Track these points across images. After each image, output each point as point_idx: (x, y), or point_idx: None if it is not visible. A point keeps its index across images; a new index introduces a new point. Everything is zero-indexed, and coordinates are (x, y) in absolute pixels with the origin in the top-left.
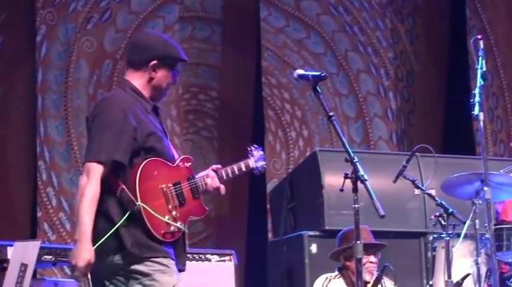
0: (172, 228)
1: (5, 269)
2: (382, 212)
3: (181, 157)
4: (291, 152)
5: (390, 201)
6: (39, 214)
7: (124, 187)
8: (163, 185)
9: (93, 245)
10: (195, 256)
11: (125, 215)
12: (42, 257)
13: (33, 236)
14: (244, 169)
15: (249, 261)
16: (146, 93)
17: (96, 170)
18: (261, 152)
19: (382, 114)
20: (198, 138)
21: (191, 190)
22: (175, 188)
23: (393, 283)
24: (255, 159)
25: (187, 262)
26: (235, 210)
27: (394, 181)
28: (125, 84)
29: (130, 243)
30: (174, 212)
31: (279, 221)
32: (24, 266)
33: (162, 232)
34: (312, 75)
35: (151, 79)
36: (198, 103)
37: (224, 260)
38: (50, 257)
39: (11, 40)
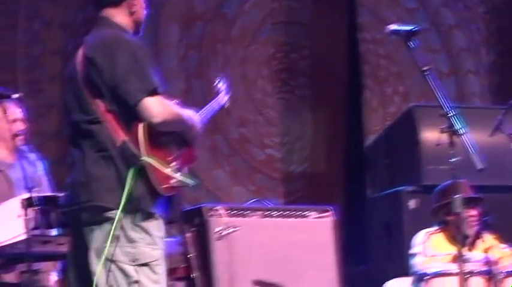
0: (173, 181)
1: None
2: (480, 165)
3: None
4: (387, 108)
5: (487, 156)
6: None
7: (125, 138)
8: (162, 137)
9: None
10: (293, 212)
11: (129, 171)
12: None
13: None
14: (216, 108)
15: (347, 217)
16: (130, 30)
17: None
18: (225, 85)
19: (474, 70)
20: (292, 97)
21: (183, 140)
22: (172, 138)
23: (493, 236)
24: (222, 95)
25: (286, 219)
26: (333, 167)
27: (491, 135)
28: (110, 23)
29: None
30: (173, 163)
31: (377, 177)
32: None
33: (165, 186)
34: (405, 30)
35: (132, 13)
36: (290, 62)
37: (322, 217)
38: None
39: None
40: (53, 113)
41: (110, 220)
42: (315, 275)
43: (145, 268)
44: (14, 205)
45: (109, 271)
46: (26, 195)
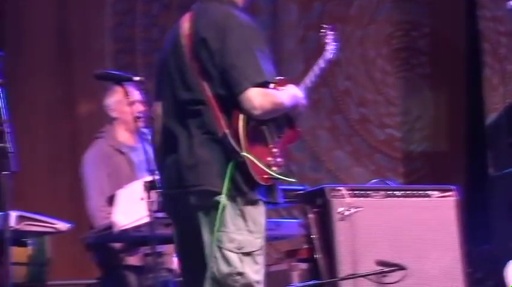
0: (273, 174)
1: None
2: None
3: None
4: (508, 85)
5: None
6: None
7: (227, 130)
8: (264, 124)
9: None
10: (415, 192)
11: (229, 166)
12: None
13: None
14: (324, 65)
15: (469, 196)
16: (240, 4)
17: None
18: (332, 33)
19: None
20: (412, 75)
21: (287, 119)
22: (273, 123)
23: None
24: (329, 46)
25: (408, 198)
26: (454, 145)
27: None
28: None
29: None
30: (274, 150)
31: (499, 156)
32: None
33: (265, 176)
34: None
35: None
36: (410, 40)
37: (445, 196)
38: None
39: None
40: None
41: (218, 204)
42: (438, 255)
43: (248, 258)
44: (137, 187)
45: (214, 257)
46: (149, 178)
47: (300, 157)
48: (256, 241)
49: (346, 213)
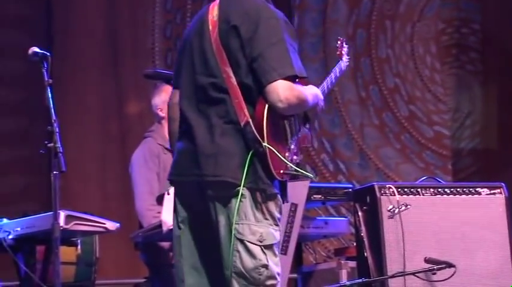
0: (288, 170)
1: None
2: None
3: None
4: None
5: None
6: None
7: (249, 119)
8: (285, 119)
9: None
10: (464, 189)
11: (248, 155)
12: (312, 197)
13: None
14: (339, 74)
15: None
16: None
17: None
18: (347, 46)
19: None
20: (463, 72)
21: (304, 118)
22: (294, 119)
23: None
24: (345, 58)
25: (457, 196)
26: (504, 142)
27: None
28: None
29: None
30: (292, 146)
31: None
32: (294, 206)
33: (282, 171)
34: None
35: None
36: (460, 37)
37: (494, 193)
38: (319, 196)
39: None
40: None
41: (237, 196)
42: (487, 253)
43: (270, 250)
44: None
45: (236, 250)
46: None
47: (349, 155)
48: (276, 233)
49: (395, 211)
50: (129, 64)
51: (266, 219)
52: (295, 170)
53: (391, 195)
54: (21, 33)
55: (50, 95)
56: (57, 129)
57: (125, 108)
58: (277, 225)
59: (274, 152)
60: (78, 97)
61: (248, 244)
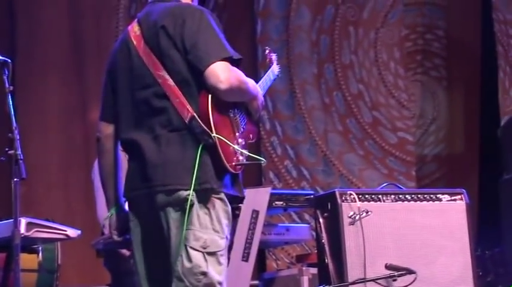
0: (241, 158)
1: (237, 216)
2: None
3: None
4: None
5: None
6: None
7: (194, 114)
8: (230, 111)
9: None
10: (425, 196)
11: (199, 148)
12: (273, 203)
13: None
14: (273, 78)
15: (482, 200)
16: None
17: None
18: (274, 55)
19: None
20: (427, 78)
21: (247, 113)
22: (238, 111)
23: None
24: (274, 65)
25: (418, 202)
26: (468, 148)
27: None
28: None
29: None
30: (240, 139)
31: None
32: (255, 213)
33: (234, 163)
34: None
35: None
36: (425, 43)
37: (455, 200)
38: (281, 203)
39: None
40: None
41: (186, 202)
42: (448, 260)
43: (213, 258)
44: None
45: (180, 255)
46: None
47: (312, 161)
48: (220, 241)
49: (356, 217)
50: (93, 70)
51: (212, 225)
52: (247, 158)
53: (352, 201)
54: None
55: (10, 102)
56: (17, 137)
57: (89, 115)
58: (223, 233)
59: (224, 142)
60: (41, 103)
61: (190, 249)
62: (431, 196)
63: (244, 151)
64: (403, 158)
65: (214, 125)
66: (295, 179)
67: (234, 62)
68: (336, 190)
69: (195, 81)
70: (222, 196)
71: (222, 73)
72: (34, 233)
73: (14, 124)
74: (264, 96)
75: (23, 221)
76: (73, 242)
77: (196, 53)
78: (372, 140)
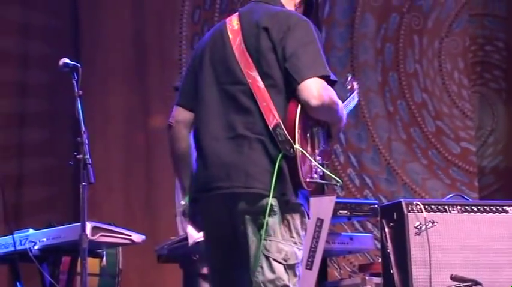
0: (315, 176)
1: None
2: None
3: None
4: None
5: None
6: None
7: (280, 121)
8: (314, 127)
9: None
10: (491, 207)
11: (279, 157)
12: (338, 212)
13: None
14: (351, 108)
15: None
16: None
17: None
18: (356, 83)
19: None
20: (486, 90)
21: (327, 134)
22: (321, 130)
23: None
24: (354, 94)
25: (484, 214)
26: None
27: None
28: (276, 2)
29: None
30: (318, 157)
31: None
32: (320, 221)
33: (308, 180)
34: None
35: (299, 5)
36: (485, 54)
37: None
38: (345, 211)
39: None
40: None
41: (268, 208)
42: None
43: (291, 270)
44: None
45: (260, 266)
46: None
47: (375, 169)
48: (298, 252)
49: (422, 228)
50: (156, 76)
51: (292, 237)
52: (323, 176)
53: (418, 212)
54: (47, 43)
55: (79, 106)
56: (86, 141)
57: (150, 120)
58: (301, 244)
59: (305, 155)
60: (104, 108)
61: (273, 261)
62: (498, 207)
63: (323, 168)
64: (466, 168)
65: (299, 136)
66: (358, 188)
67: (330, 84)
68: (402, 199)
69: (286, 90)
70: (302, 208)
71: (317, 89)
72: (99, 238)
73: (83, 128)
74: None
75: (89, 226)
76: (133, 246)
77: (296, 63)
78: (436, 149)
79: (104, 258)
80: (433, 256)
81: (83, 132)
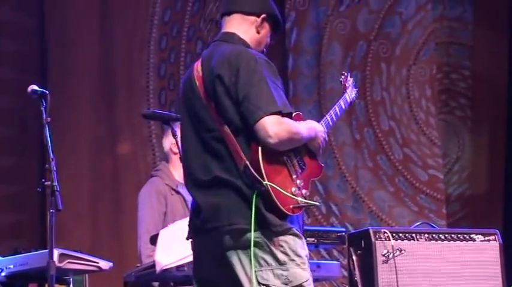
0: (299, 202)
1: None
2: None
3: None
4: None
5: None
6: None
7: (247, 162)
8: (284, 156)
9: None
10: (459, 235)
11: (253, 196)
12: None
13: None
14: (344, 106)
15: (506, 240)
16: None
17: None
18: (351, 79)
19: None
20: (452, 118)
21: (308, 152)
22: (294, 154)
23: None
24: (350, 90)
25: (452, 242)
26: (492, 188)
27: None
28: (234, 38)
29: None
30: (298, 181)
31: None
32: None
33: (291, 206)
34: None
35: (256, 34)
36: (450, 82)
37: (489, 240)
38: (312, 239)
39: None
40: None
41: (253, 243)
42: None
43: None
44: (181, 227)
45: None
46: None
47: (342, 197)
48: (303, 272)
49: (390, 256)
50: (124, 102)
51: (292, 260)
52: (304, 204)
53: (385, 240)
54: (14, 69)
55: (47, 133)
56: (54, 168)
57: (118, 146)
58: (304, 264)
59: (277, 189)
60: (70, 135)
61: None
62: (465, 235)
63: (298, 198)
64: (433, 195)
65: (265, 173)
66: (325, 215)
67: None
68: (369, 228)
69: (247, 131)
70: (293, 231)
71: (270, 127)
72: (67, 265)
73: (51, 155)
74: None
75: (56, 252)
76: (99, 273)
77: (247, 106)
78: (403, 177)
79: (71, 285)
80: (400, 284)
81: (51, 159)
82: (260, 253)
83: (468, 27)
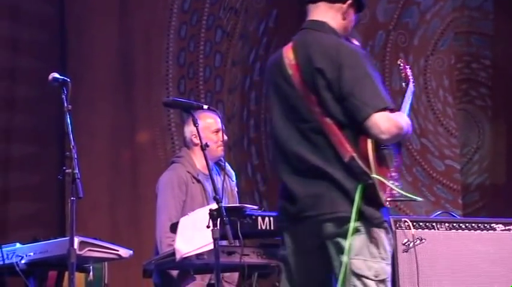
0: (394, 192)
1: None
2: None
3: None
4: None
5: None
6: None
7: (354, 154)
8: (386, 149)
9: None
10: (479, 225)
11: (357, 189)
12: None
13: None
14: (410, 96)
15: None
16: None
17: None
18: (409, 70)
19: None
20: (472, 107)
21: (398, 144)
22: (392, 146)
23: None
24: (409, 80)
25: (472, 231)
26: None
27: None
28: (324, 27)
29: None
30: (394, 174)
31: None
32: None
33: (389, 199)
34: None
35: (342, 20)
36: (471, 72)
37: (509, 229)
38: None
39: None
40: (233, 124)
41: (351, 231)
42: None
43: (382, 285)
44: (201, 215)
45: (353, 285)
46: (214, 205)
47: None
48: (387, 267)
49: (410, 245)
50: (142, 91)
51: (380, 254)
52: (403, 195)
53: (406, 229)
54: (34, 58)
55: (69, 121)
56: (75, 155)
57: (136, 136)
58: (388, 259)
59: (383, 181)
60: (90, 125)
61: (365, 279)
62: (485, 224)
63: (399, 190)
64: (450, 186)
65: (375, 166)
66: None
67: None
68: (389, 216)
69: (350, 124)
70: (386, 225)
71: (383, 124)
72: (87, 252)
73: (72, 143)
74: None
75: (76, 240)
76: (118, 261)
77: (354, 102)
78: (420, 167)
79: (91, 273)
80: (421, 272)
81: (72, 147)
82: (358, 243)
83: (489, 16)
